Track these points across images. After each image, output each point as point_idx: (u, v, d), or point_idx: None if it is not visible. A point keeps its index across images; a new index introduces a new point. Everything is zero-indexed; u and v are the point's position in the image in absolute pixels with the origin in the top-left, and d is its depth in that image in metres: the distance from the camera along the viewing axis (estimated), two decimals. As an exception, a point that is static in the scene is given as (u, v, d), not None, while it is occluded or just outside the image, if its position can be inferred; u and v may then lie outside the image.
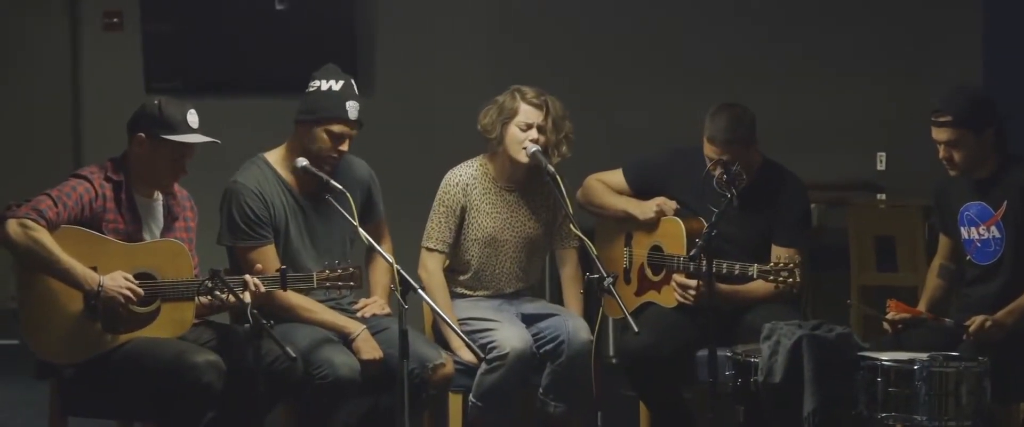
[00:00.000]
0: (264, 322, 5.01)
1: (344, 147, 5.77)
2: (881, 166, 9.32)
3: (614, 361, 7.17)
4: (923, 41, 9.26)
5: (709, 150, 5.90)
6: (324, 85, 5.75)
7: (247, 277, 5.35)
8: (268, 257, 5.69)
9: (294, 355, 5.19)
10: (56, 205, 5.25)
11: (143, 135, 5.43)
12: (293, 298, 5.67)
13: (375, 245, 5.53)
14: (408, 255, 5.95)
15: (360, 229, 5.53)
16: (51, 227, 5.22)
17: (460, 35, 9.57)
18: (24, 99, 9.81)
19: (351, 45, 9.40)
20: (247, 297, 5.27)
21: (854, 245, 8.56)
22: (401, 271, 5.20)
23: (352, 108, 5.75)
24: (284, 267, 5.49)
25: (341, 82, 5.76)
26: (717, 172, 5.80)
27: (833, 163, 9.08)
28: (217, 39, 9.57)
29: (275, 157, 5.84)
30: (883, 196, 9.15)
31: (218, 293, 5.27)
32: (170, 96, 5.59)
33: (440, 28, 9.58)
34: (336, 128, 5.73)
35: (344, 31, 9.42)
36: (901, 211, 8.56)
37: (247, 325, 5.02)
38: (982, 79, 8.72)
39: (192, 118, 5.45)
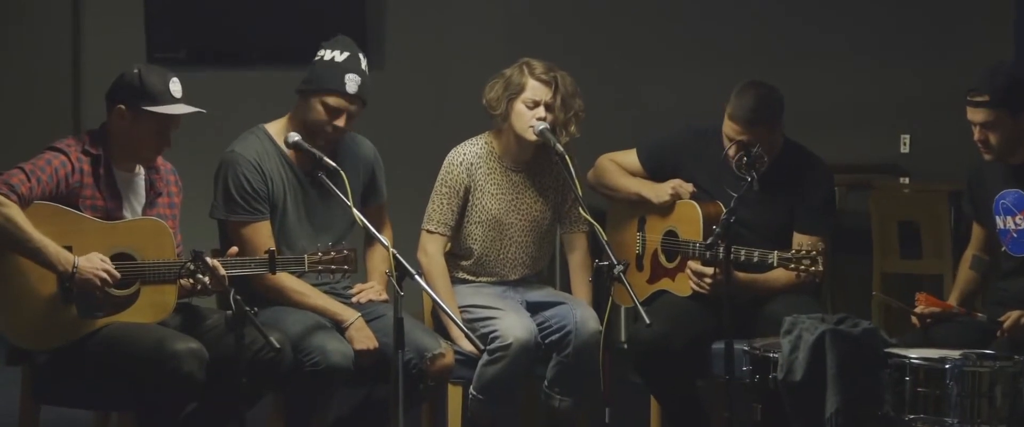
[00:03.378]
0: (247, 309, 4.78)
1: (341, 122, 5.51)
2: (905, 148, 9.23)
3: (626, 346, 6.95)
4: (952, 19, 9.14)
5: (729, 128, 5.66)
6: (328, 55, 5.52)
7: (209, 259, 5.09)
8: (262, 234, 5.46)
9: (278, 345, 4.96)
10: (29, 179, 5.02)
11: (123, 107, 5.22)
12: (285, 280, 5.45)
13: (369, 226, 5.28)
14: (417, 236, 5.82)
15: (355, 210, 5.27)
16: (23, 203, 4.99)
17: (474, 4, 9.39)
18: (24, 68, 9.72)
19: (361, 14, 9.25)
20: (208, 281, 5.05)
21: (877, 230, 8.42)
22: (397, 255, 4.96)
23: (351, 81, 5.48)
24: (272, 249, 5.25)
25: (346, 54, 5.52)
26: (736, 154, 5.55)
27: (856, 144, 8.99)
28: (222, 7, 9.46)
29: (276, 129, 5.61)
30: (907, 180, 9.02)
31: (200, 276, 5.05)
32: (164, 66, 5.40)
33: (454, -3, 9.43)
34: (332, 101, 5.48)
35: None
36: (926, 195, 8.41)
37: (229, 312, 4.81)
38: (1014, 59, 8.52)
39: (175, 87, 5.23)
